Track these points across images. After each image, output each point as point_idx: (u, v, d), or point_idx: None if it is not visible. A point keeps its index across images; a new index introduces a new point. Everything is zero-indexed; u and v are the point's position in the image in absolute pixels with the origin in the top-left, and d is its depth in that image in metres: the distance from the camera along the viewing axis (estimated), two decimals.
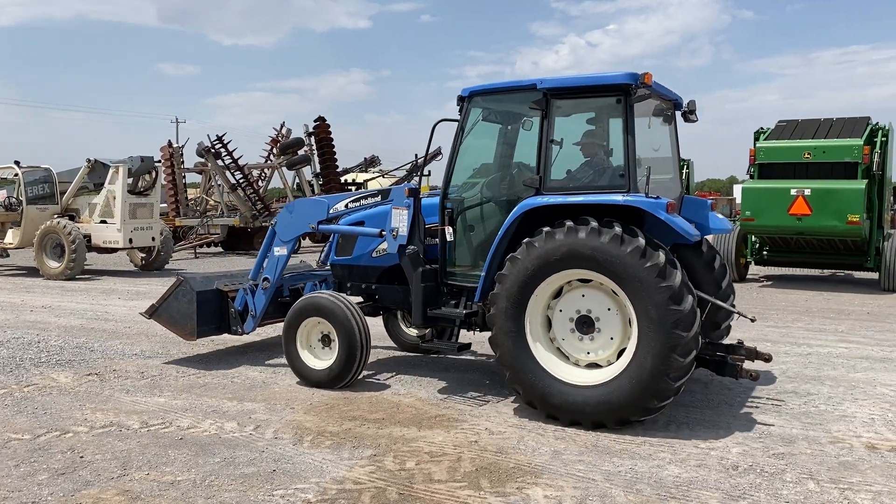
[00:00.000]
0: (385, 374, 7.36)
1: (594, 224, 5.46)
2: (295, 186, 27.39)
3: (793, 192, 13.65)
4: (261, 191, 24.61)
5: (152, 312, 7.70)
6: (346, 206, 7.35)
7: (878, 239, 14.25)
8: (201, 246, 23.27)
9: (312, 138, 25.71)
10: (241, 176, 23.11)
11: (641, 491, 4.47)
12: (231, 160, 23.02)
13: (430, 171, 29.57)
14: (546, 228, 5.65)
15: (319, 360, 6.82)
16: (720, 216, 6.80)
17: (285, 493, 4.47)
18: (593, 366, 5.73)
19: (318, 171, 25.97)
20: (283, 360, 7.07)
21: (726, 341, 6.61)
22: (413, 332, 8.04)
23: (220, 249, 24.28)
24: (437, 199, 6.62)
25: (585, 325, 5.71)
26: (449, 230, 6.47)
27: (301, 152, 25.62)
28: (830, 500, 4.32)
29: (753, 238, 15.51)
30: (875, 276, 14.34)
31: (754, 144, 14.91)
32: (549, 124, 5.97)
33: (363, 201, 7.28)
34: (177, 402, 6.39)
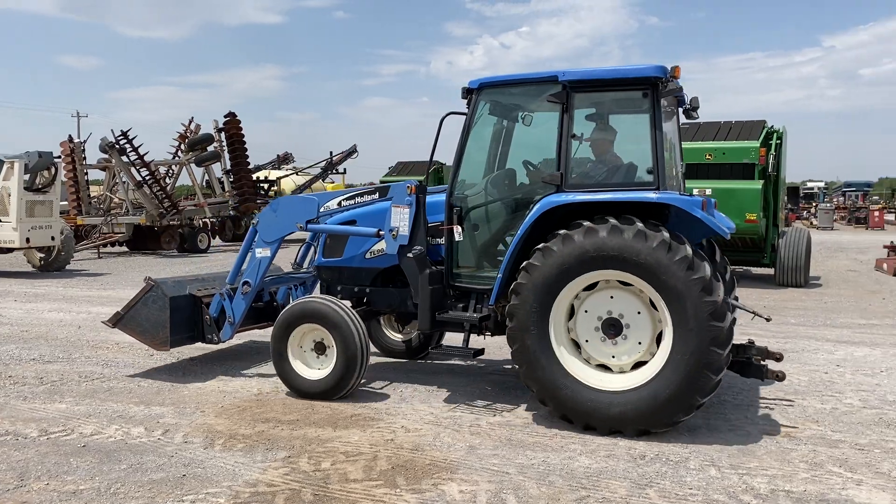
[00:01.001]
0: None
1: (640, 225, 5.25)
2: (204, 184, 26.66)
3: (695, 191, 14.18)
4: (168, 188, 23.80)
5: (117, 321, 7.05)
6: (339, 204, 6.94)
7: (773, 236, 15.01)
8: (105, 245, 22.34)
9: (222, 134, 25.08)
10: (147, 173, 22.28)
11: (554, 483, 4.58)
12: (137, 156, 22.15)
13: (345, 169, 29.39)
14: (586, 223, 5.38)
15: (313, 369, 6.37)
16: (722, 214, 6.40)
17: (196, 498, 4.36)
18: (608, 368, 5.57)
19: (228, 167, 25.36)
20: (193, 363, 6.89)
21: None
22: (398, 336, 7.91)
23: (125, 249, 23.38)
24: (438, 198, 6.35)
25: (613, 328, 5.51)
26: (458, 229, 6.16)
27: (210, 148, 24.95)
28: (731, 485, 4.54)
29: None
30: (771, 271, 15.10)
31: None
32: (569, 118, 5.78)
33: (358, 199, 6.87)
34: (79, 409, 6.12)
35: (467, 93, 6.23)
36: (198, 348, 7.93)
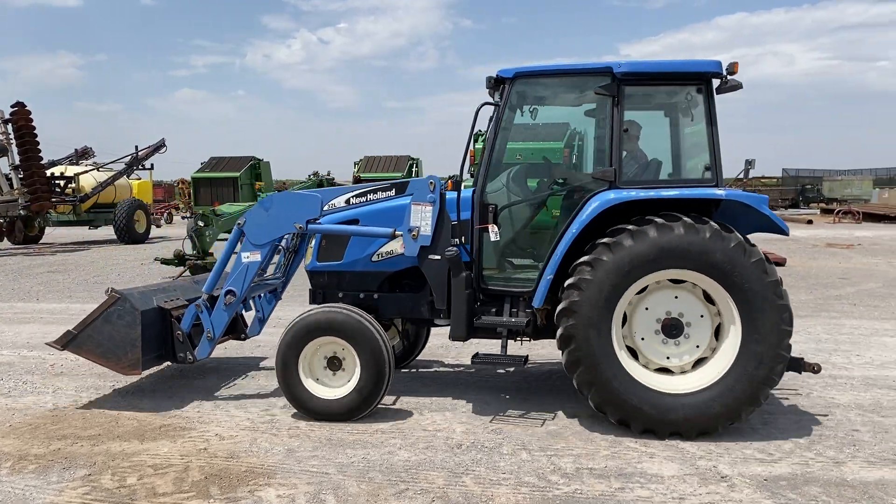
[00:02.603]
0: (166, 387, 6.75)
1: (715, 224, 5.20)
2: None
3: None
4: None
5: (68, 342, 6.01)
6: (348, 201, 6.27)
7: None
8: None
9: (10, 126, 22.74)
10: None
11: (374, 479, 4.60)
12: None
13: (152, 165, 27.70)
14: (657, 219, 5.24)
15: (328, 388, 5.77)
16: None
17: None
18: (665, 371, 5.46)
19: (16, 162, 23.05)
20: None
21: None
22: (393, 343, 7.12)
23: None
24: (450, 194, 6.02)
25: (673, 328, 5.42)
26: (494, 229, 5.77)
27: None
28: (540, 467, 4.79)
29: None
30: None
31: (473, 146, 15.96)
32: (620, 112, 5.58)
33: (371, 196, 6.25)
34: None
35: (497, 82, 5.98)
36: None
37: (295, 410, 5.83)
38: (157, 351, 6.24)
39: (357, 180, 25.34)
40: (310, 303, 6.46)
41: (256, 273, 6.27)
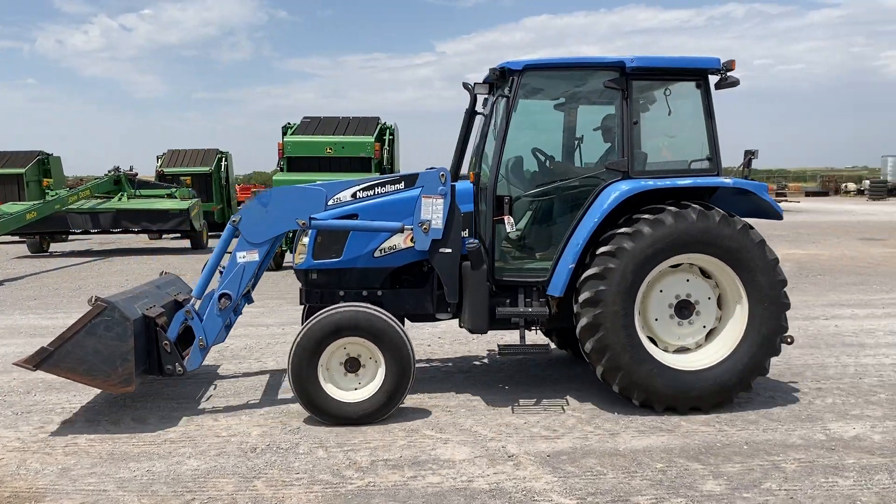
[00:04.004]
0: None
1: (721, 211, 5.60)
2: None
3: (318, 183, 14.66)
4: None
5: (42, 359, 5.23)
6: (355, 195, 5.98)
7: None
8: None
9: None
10: None
11: (157, 492, 4.35)
12: None
13: None
14: (671, 208, 5.55)
15: (347, 391, 5.53)
16: None
17: None
18: (682, 350, 5.82)
19: None
20: None
21: None
22: None
23: None
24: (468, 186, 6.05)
25: (685, 309, 5.76)
26: (510, 220, 5.82)
27: None
28: (336, 463, 4.76)
29: None
30: None
31: (282, 138, 15.63)
32: (629, 105, 5.78)
33: (379, 189, 5.99)
34: None
35: (501, 74, 5.90)
36: None
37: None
38: (144, 364, 5.64)
39: (160, 176, 23.97)
40: (302, 303, 6.25)
41: (254, 273, 5.97)
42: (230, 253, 5.97)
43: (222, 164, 25.50)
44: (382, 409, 5.49)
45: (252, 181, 63.30)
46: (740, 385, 5.70)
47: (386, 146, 15.75)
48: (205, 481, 4.50)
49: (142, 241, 23.35)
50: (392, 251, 6.04)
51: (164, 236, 23.87)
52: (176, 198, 21.41)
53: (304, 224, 5.74)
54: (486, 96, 6.48)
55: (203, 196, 24.43)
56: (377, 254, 6.04)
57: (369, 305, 5.64)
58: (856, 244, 18.99)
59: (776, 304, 5.67)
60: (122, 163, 25.26)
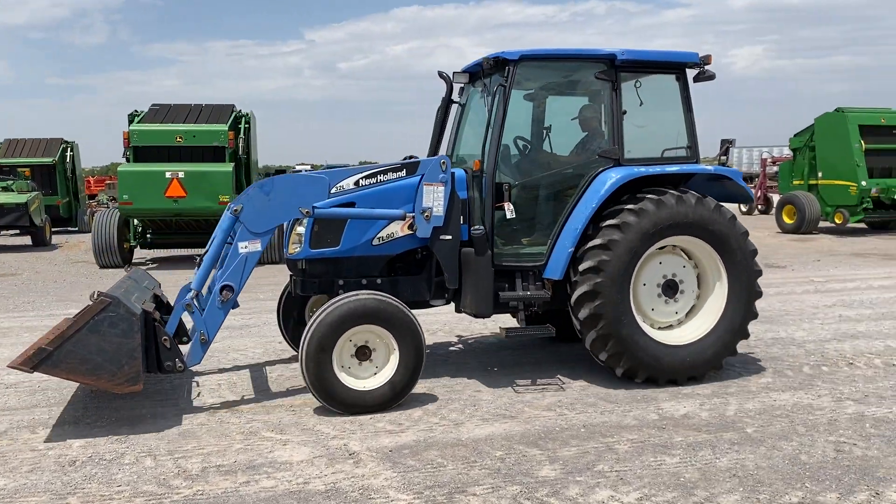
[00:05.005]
0: None
1: (713, 200, 6.09)
2: None
3: (167, 174, 13.96)
4: None
5: (41, 360, 4.84)
6: (357, 183, 5.98)
7: None
8: None
9: None
10: None
11: None
12: None
13: None
14: (673, 191, 5.98)
15: (360, 379, 5.53)
16: None
17: None
18: (668, 327, 6.25)
19: None
20: None
21: None
22: None
23: None
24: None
25: (671, 289, 6.16)
26: (510, 207, 5.97)
27: None
28: (163, 472, 4.45)
29: (136, 221, 15.38)
30: None
31: (128, 127, 14.76)
32: (618, 95, 6.13)
33: (382, 177, 6.02)
34: None
35: (497, 64, 6.10)
36: None
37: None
38: (143, 362, 5.24)
39: None
40: (297, 293, 6.33)
41: (255, 264, 5.80)
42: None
43: (67, 154, 23.86)
44: (393, 399, 5.54)
45: (110, 172, 59.79)
46: (712, 361, 6.17)
47: (241, 135, 15.19)
48: (11, 501, 4.09)
49: None
50: (390, 239, 6.09)
51: (1, 233, 22.05)
52: (13, 191, 19.89)
53: (307, 212, 5.73)
54: (463, 86, 6.91)
55: (46, 189, 22.82)
56: (375, 242, 6.08)
57: (378, 293, 5.65)
58: None
59: (751, 291, 6.21)
60: None
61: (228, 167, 14.35)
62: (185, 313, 5.70)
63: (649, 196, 5.91)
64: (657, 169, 6.15)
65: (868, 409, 5.48)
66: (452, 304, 6.43)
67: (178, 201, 13.95)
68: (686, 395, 5.84)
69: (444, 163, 6.00)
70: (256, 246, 5.77)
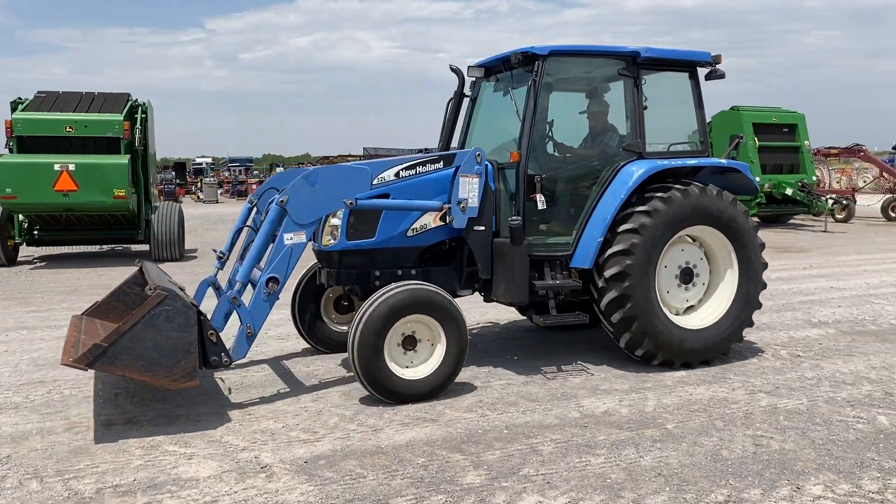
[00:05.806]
0: None
1: (715, 188, 6.40)
2: None
3: (56, 167, 13.05)
4: None
5: (96, 357, 4.65)
6: (398, 174, 5.99)
7: (146, 212, 14.83)
8: None
9: None
10: None
11: None
12: None
13: None
14: (696, 183, 6.33)
15: (407, 368, 5.58)
16: None
17: None
18: (682, 312, 6.57)
19: None
20: None
21: None
22: (344, 327, 6.94)
23: None
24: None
25: (687, 276, 6.49)
26: (541, 198, 6.13)
27: None
28: (51, 496, 4.02)
29: (21, 217, 14.32)
30: (146, 247, 14.91)
31: (11, 115, 13.70)
32: (639, 91, 6.42)
33: (420, 168, 6.05)
34: None
35: (525, 59, 6.28)
36: None
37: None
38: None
39: None
40: (329, 286, 6.43)
41: (299, 256, 5.68)
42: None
43: None
44: (440, 387, 5.61)
45: None
46: (721, 347, 6.52)
47: (138, 125, 14.36)
48: None
49: None
50: (423, 230, 6.15)
51: None
52: None
53: (350, 203, 5.74)
54: (475, 80, 7.05)
55: None
56: (410, 233, 6.14)
57: (422, 283, 5.69)
58: None
59: (758, 282, 6.63)
60: None
61: (124, 159, 13.53)
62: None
63: (676, 186, 6.23)
64: (678, 162, 6.51)
65: (780, 401, 5.59)
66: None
67: (69, 195, 13.06)
68: (604, 392, 5.81)
69: (479, 155, 6.11)
70: (301, 238, 5.71)
